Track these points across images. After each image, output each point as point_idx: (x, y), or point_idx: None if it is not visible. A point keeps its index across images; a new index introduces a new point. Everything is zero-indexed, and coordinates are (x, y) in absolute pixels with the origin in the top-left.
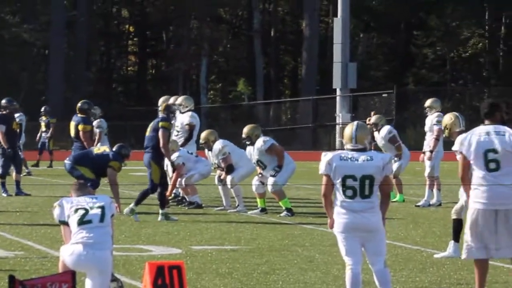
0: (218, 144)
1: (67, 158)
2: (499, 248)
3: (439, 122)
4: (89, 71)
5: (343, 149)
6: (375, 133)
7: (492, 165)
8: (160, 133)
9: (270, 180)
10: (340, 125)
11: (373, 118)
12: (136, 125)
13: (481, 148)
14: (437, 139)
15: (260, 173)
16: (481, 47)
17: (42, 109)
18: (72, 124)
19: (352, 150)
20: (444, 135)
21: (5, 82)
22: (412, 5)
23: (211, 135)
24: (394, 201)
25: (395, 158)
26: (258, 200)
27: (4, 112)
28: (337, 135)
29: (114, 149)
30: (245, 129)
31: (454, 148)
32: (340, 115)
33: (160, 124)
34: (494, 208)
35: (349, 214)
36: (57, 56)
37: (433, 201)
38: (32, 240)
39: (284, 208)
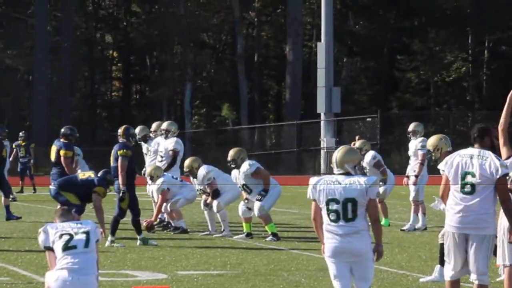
0: (202, 170)
1: (52, 184)
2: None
3: (423, 146)
4: (73, 96)
5: (331, 173)
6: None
7: (467, 188)
8: (119, 162)
9: (257, 205)
10: (325, 150)
11: (357, 143)
12: None
13: (461, 170)
14: (422, 164)
15: (246, 199)
16: (465, 71)
17: (20, 133)
18: (54, 149)
19: (338, 174)
20: (433, 157)
21: None
22: (395, 29)
23: (194, 162)
24: None
25: (381, 183)
26: (244, 224)
27: None
28: (321, 160)
29: (99, 174)
30: (231, 152)
31: (440, 166)
32: (324, 140)
33: (118, 152)
34: (464, 232)
35: (335, 238)
36: (41, 82)
37: (419, 225)
38: (18, 266)
39: (270, 232)
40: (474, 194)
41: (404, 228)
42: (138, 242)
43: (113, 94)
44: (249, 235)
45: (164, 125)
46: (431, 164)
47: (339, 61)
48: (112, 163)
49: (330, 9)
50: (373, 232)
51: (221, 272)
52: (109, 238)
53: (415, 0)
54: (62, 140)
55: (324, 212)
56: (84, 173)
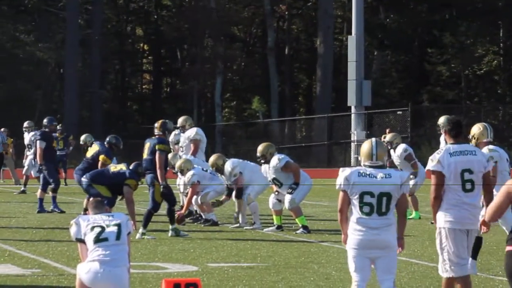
0: (228, 166)
1: (84, 176)
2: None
3: None
4: (104, 89)
5: (359, 166)
6: (391, 151)
7: (468, 186)
8: (156, 156)
9: (287, 198)
10: (355, 143)
11: (388, 136)
12: None
13: (459, 168)
14: None
15: (277, 191)
16: (496, 64)
17: (58, 126)
18: (95, 148)
19: (371, 166)
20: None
21: (20, 100)
22: (426, 22)
23: (219, 159)
24: (410, 218)
25: (411, 176)
26: (274, 217)
27: (46, 130)
28: (352, 153)
29: (130, 167)
30: (260, 148)
31: (428, 167)
32: (355, 133)
33: (156, 146)
34: (466, 228)
35: (365, 231)
36: (72, 75)
37: None
38: (49, 257)
39: (300, 225)
40: (474, 190)
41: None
42: (170, 232)
43: (143, 87)
44: (279, 227)
45: (179, 121)
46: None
47: (369, 54)
48: (146, 155)
49: (361, 2)
50: (398, 225)
51: (252, 264)
52: (140, 230)
53: None
54: (107, 145)
55: (355, 204)
56: (115, 166)
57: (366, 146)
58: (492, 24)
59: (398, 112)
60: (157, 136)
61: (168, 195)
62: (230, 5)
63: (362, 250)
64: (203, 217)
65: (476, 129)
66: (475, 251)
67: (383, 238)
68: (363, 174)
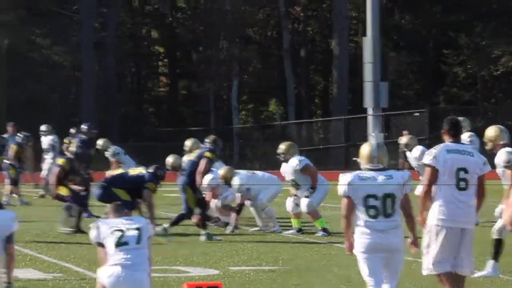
0: (236, 182)
1: (103, 180)
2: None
3: (471, 141)
4: (120, 92)
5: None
6: (407, 153)
7: (462, 184)
8: (202, 161)
9: (304, 201)
10: None
11: (404, 139)
12: (168, 146)
13: (454, 166)
14: None
15: (295, 194)
16: None
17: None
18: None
19: (371, 169)
20: (487, 148)
21: (37, 104)
22: (441, 24)
23: (228, 172)
24: None
25: None
26: (293, 220)
27: (84, 138)
28: None
29: (149, 170)
30: (282, 146)
31: (424, 161)
32: (372, 135)
33: (206, 153)
34: (460, 226)
35: (373, 234)
36: (88, 78)
37: None
38: (70, 262)
39: (320, 228)
40: (468, 189)
41: None
42: (203, 237)
43: (160, 89)
44: (299, 230)
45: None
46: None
47: (385, 55)
48: (189, 157)
49: (376, 3)
50: (408, 226)
51: (273, 267)
52: (165, 225)
53: None
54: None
55: (360, 209)
56: (134, 169)
57: (366, 148)
58: (508, 25)
59: (416, 114)
60: (209, 147)
61: (203, 201)
62: (245, 7)
63: (373, 253)
64: (223, 220)
65: (492, 131)
66: (496, 253)
67: (391, 241)
68: (364, 178)
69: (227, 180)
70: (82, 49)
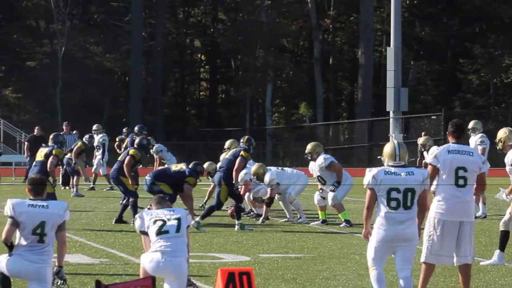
0: (267, 177)
1: (148, 175)
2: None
3: (482, 142)
4: (165, 95)
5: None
6: (424, 153)
7: (461, 182)
8: (238, 159)
9: (330, 195)
10: None
11: (421, 139)
12: (208, 145)
13: (454, 165)
14: None
15: (321, 189)
16: None
17: (124, 129)
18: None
19: (394, 166)
20: (498, 148)
21: (89, 106)
22: (458, 35)
23: (260, 168)
24: None
25: None
26: (319, 212)
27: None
28: None
29: (190, 166)
30: (308, 146)
31: (427, 160)
32: (393, 135)
33: (241, 152)
34: (458, 220)
35: (392, 225)
36: (136, 83)
37: (479, 213)
38: (116, 248)
39: (343, 219)
40: (467, 186)
41: None
42: (236, 227)
43: (201, 93)
44: (324, 221)
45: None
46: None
47: (406, 64)
48: (226, 155)
49: (398, 17)
50: (419, 217)
51: (299, 255)
52: (197, 219)
53: (476, 8)
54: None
55: (382, 201)
56: (176, 165)
57: (389, 147)
58: None
59: (433, 117)
60: (243, 147)
61: (237, 194)
62: (280, 19)
63: (387, 243)
64: (255, 212)
65: (502, 133)
66: (503, 244)
67: (409, 231)
68: (389, 172)
69: (259, 176)
70: (131, 56)
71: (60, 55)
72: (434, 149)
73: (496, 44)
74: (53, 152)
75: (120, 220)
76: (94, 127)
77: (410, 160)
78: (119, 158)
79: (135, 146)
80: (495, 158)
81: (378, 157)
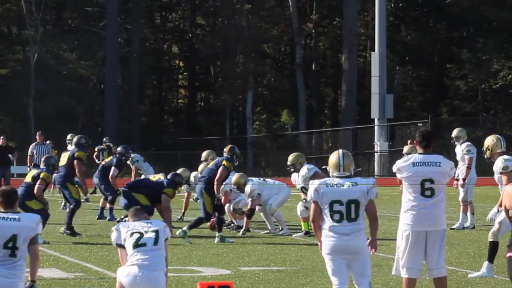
0: (247, 188)
1: (124, 185)
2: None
3: (469, 151)
4: (142, 104)
5: (383, 176)
6: None
7: (428, 193)
8: (220, 169)
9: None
10: (379, 153)
11: (406, 148)
12: (187, 154)
13: (419, 177)
14: (468, 167)
15: (304, 199)
16: (511, 79)
17: (104, 139)
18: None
19: (338, 177)
20: (485, 156)
21: (64, 114)
22: (444, 39)
23: (241, 178)
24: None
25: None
26: (302, 223)
27: (122, 158)
28: (375, 162)
29: (168, 177)
30: (290, 157)
31: (394, 170)
32: (378, 143)
33: (223, 162)
34: (424, 229)
35: (336, 237)
36: (111, 90)
37: (467, 224)
38: (91, 262)
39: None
40: (434, 197)
41: (454, 226)
42: (216, 239)
43: (179, 101)
44: (307, 233)
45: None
46: (481, 167)
47: (391, 69)
48: (210, 165)
49: (383, 21)
50: (370, 229)
51: (281, 268)
52: (185, 228)
53: (464, 12)
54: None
55: (326, 213)
56: (154, 176)
57: (333, 157)
58: (507, 41)
59: (419, 124)
60: (227, 156)
61: (219, 205)
62: (261, 24)
63: (336, 255)
64: (235, 223)
65: (489, 140)
66: (491, 255)
67: (354, 244)
68: (331, 185)
69: (239, 186)
70: (106, 63)
71: (33, 62)
72: (399, 161)
73: (484, 48)
74: (41, 175)
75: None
76: (69, 136)
77: (357, 170)
78: (60, 164)
79: (76, 148)
80: (483, 166)
81: (323, 167)
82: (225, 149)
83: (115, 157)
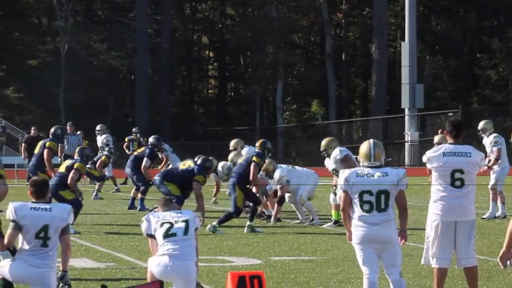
0: (276, 174)
1: (157, 174)
2: (464, 258)
3: (496, 143)
4: (172, 94)
5: (414, 166)
6: None
7: (458, 183)
8: (252, 166)
9: (340, 193)
10: (409, 143)
11: (437, 137)
12: (217, 144)
13: (449, 167)
14: (497, 159)
15: (335, 185)
16: None
17: (134, 129)
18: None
19: (368, 167)
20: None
21: (94, 105)
22: (475, 29)
23: (269, 165)
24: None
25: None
26: (332, 212)
27: (154, 149)
28: (406, 152)
29: (198, 162)
30: (323, 142)
31: (423, 160)
32: (408, 133)
33: (253, 158)
34: (454, 220)
35: (366, 227)
36: (142, 81)
37: (498, 213)
38: (122, 252)
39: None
40: (464, 188)
41: (484, 216)
42: (246, 229)
43: (209, 91)
44: (336, 222)
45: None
46: None
47: (422, 59)
48: (239, 159)
49: (413, 10)
50: (400, 219)
51: (312, 258)
52: (214, 223)
53: (494, 1)
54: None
55: (356, 203)
56: (184, 163)
57: (364, 147)
58: None
59: (449, 114)
60: (258, 151)
61: (254, 196)
62: (290, 14)
63: (366, 245)
64: (266, 213)
65: None
66: None
67: (384, 233)
68: (361, 175)
69: (268, 172)
70: (137, 54)
71: (63, 53)
72: (429, 152)
73: None
74: (75, 166)
75: None
76: (98, 127)
77: (388, 160)
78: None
79: (50, 137)
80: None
81: (354, 156)
82: (257, 144)
83: (148, 148)
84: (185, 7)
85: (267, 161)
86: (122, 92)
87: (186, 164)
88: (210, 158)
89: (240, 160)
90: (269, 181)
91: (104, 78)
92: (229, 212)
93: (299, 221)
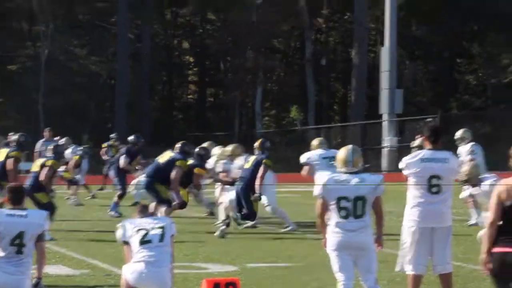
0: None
1: (142, 176)
2: (439, 264)
3: (472, 152)
4: (152, 99)
5: (390, 171)
6: None
7: (435, 189)
8: (262, 167)
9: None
10: (388, 149)
11: (416, 141)
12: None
13: (427, 173)
14: None
15: None
16: None
17: (111, 135)
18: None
19: (346, 173)
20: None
21: (74, 110)
22: (455, 34)
23: (237, 149)
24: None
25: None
26: None
27: (133, 147)
28: (384, 158)
29: (177, 150)
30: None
31: (399, 166)
32: (387, 139)
33: (264, 161)
34: (430, 226)
35: (343, 233)
36: (122, 86)
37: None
38: (97, 259)
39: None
40: (441, 193)
41: (471, 223)
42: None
43: (189, 97)
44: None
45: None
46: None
47: (401, 64)
48: (249, 166)
49: (394, 15)
50: (377, 226)
51: (288, 264)
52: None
53: (475, 5)
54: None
55: (333, 209)
56: (162, 156)
57: (342, 153)
58: None
59: (428, 119)
60: (263, 154)
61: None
62: (271, 18)
63: (342, 251)
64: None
65: None
66: None
67: (360, 240)
68: (338, 180)
69: (234, 156)
70: (117, 59)
71: (43, 58)
72: (406, 158)
73: (495, 43)
74: (48, 163)
75: None
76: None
77: (366, 166)
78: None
79: (16, 147)
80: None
81: (331, 162)
82: (256, 144)
83: (125, 147)
84: (166, 12)
85: (235, 145)
86: (103, 98)
87: (165, 155)
88: (204, 146)
89: (247, 166)
90: (231, 167)
91: (84, 83)
92: (248, 213)
93: (290, 228)
